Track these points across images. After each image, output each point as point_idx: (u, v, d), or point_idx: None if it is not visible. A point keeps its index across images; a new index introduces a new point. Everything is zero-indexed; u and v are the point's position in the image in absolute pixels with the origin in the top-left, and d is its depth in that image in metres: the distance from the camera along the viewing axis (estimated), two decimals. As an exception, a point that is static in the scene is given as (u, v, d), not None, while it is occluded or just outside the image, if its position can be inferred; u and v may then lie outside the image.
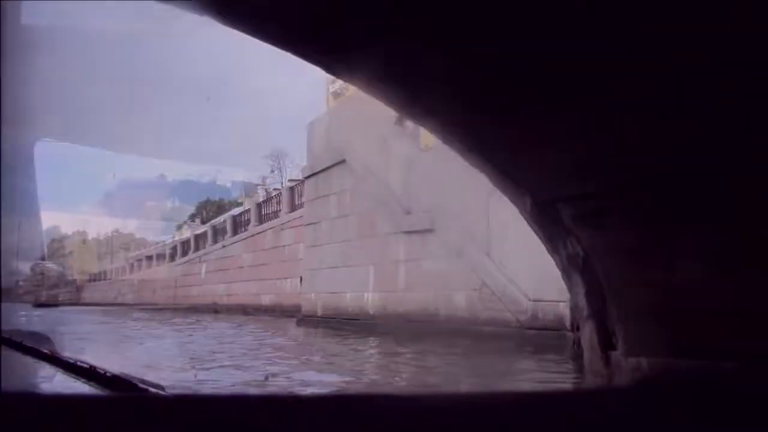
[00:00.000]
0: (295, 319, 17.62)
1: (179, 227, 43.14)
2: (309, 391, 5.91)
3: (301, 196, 21.42)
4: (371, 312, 12.76)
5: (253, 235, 24.14)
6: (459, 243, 10.57)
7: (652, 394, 0.82)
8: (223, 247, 26.89)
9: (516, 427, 0.59)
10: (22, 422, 0.55)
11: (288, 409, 0.59)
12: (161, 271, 36.24)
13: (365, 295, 12.97)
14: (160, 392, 1.29)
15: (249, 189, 37.45)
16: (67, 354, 1.80)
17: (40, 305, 31.17)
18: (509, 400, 0.75)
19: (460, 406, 0.61)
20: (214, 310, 26.33)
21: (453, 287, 10.66)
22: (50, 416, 0.56)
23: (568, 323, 8.67)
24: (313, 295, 15.02)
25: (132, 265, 44.57)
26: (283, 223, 21.80)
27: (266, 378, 7.10)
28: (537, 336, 8.97)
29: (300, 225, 20.28)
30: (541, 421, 0.61)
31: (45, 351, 1.80)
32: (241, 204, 34.02)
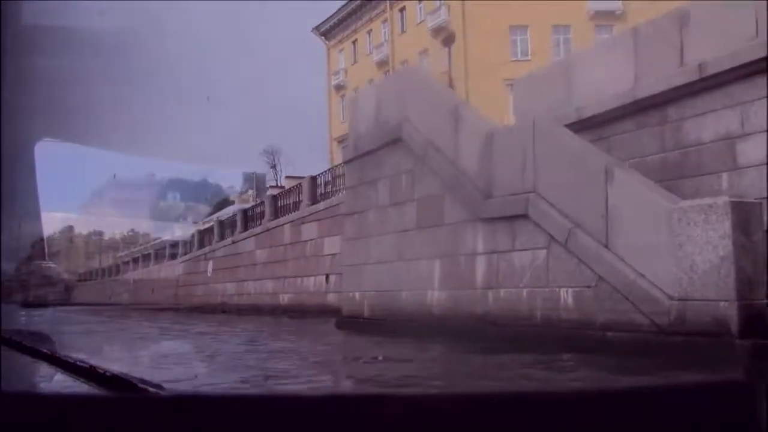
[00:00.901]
0: (326, 320, 15.66)
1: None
2: (309, 390, 5.58)
3: (327, 185, 19.43)
4: (436, 313, 10.79)
5: (268, 230, 22.08)
6: (563, 231, 8.64)
7: None
8: (233, 242, 24.79)
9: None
10: (22, 422, 0.53)
11: (288, 409, 0.56)
12: (161, 270, 34.05)
13: (428, 293, 11.01)
14: (160, 392, 1.29)
15: (258, 182, 35.27)
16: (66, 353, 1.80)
17: (27, 305, 29.46)
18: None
19: (460, 408, 0.57)
20: (222, 310, 24.30)
21: (555, 284, 8.73)
22: (50, 416, 0.54)
23: (735, 328, 6.77)
24: (356, 293, 13.01)
25: (127, 264, 42.28)
26: (303, 216, 19.78)
27: (266, 378, 6.94)
28: (685, 343, 7.07)
29: (325, 218, 18.30)
30: None
31: (44, 351, 1.85)
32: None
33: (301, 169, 54.16)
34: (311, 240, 19.13)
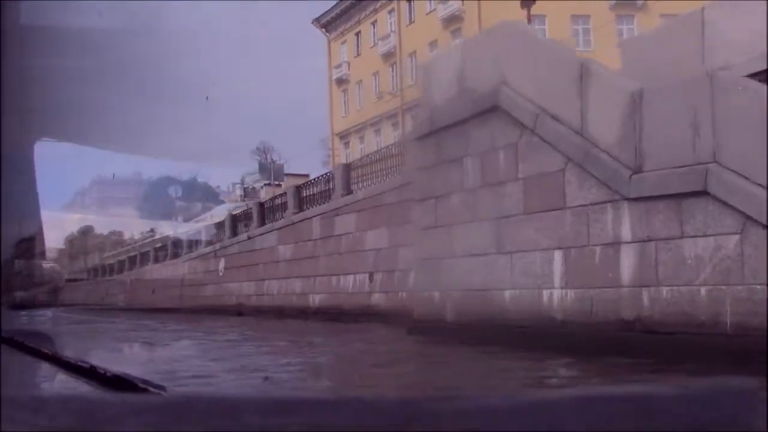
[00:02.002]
0: (380, 325, 13.42)
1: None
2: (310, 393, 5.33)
3: (361, 170, 17.18)
4: (558, 317, 8.61)
5: (293, 224, 19.73)
6: (762, 211, 6.53)
7: None
8: (249, 238, 22.39)
9: None
10: (21, 422, 0.53)
11: (289, 411, 0.55)
12: (162, 269, 31.51)
13: (544, 293, 8.82)
14: (161, 392, 1.28)
15: (276, 173, 32.84)
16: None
17: (15, 307, 27.35)
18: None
19: (460, 411, 0.55)
20: (238, 311, 21.89)
21: (757, 280, 6.61)
22: (50, 416, 0.53)
23: None
24: (435, 293, 10.77)
25: (122, 263, 39.60)
26: (337, 208, 17.47)
27: (266, 378, 6.77)
28: None
29: (365, 208, 16.03)
30: None
31: (45, 351, 1.84)
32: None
33: (297, 167, 51.94)
34: (348, 234, 16.84)
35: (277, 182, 33.88)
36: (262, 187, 58.89)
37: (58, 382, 1.67)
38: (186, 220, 53.55)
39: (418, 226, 11.36)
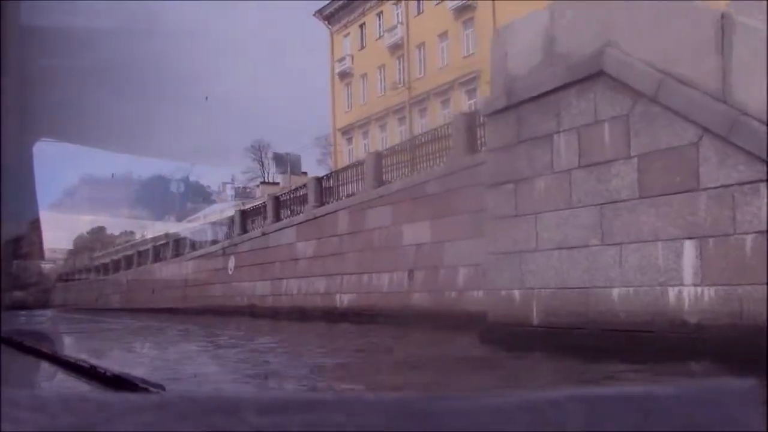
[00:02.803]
0: (425, 327, 11.91)
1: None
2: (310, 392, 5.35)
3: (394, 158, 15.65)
4: (692, 320, 7.12)
5: (315, 218, 18.12)
6: None
7: None
8: (264, 235, 20.73)
9: None
10: (21, 422, 0.53)
11: (288, 410, 0.54)
12: (162, 268, 29.75)
13: (672, 291, 7.32)
14: (161, 392, 1.26)
15: (293, 165, 31.07)
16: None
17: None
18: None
19: (459, 410, 0.55)
20: (251, 313, 20.28)
21: None
22: (50, 416, 0.53)
23: None
24: (515, 292, 9.23)
25: (118, 262, 37.73)
26: (369, 200, 15.90)
27: (265, 378, 6.81)
28: None
29: (403, 200, 14.48)
30: None
31: (45, 351, 1.83)
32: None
33: (306, 162, 50.29)
34: (382, 228, 15.27)
35: (293, 172, 32.04)
36: (257, 186, 57.26)
37: (57, 382, 1.65)
38: (178, 219, 51.80)
39: (492, 216, 9.80)
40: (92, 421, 0.52)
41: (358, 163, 17.65)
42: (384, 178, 16.01)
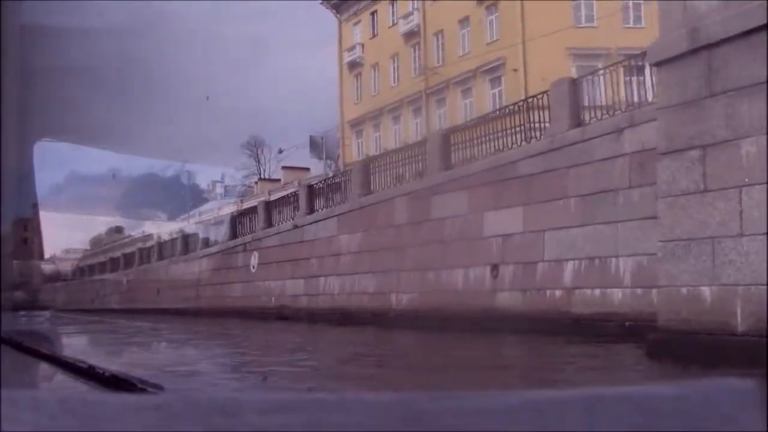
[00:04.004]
0: (520, 336, 9.67)
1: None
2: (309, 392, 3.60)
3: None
4: None
5: (361, 208, 15.74)
6: None
7: None
8: (296, 228, 18.31)
9: None
10: (21, 422, 0.53)
11: (288, 410, 0.54)
12: (169, 267, 27.19)
13: None
14: (159, 392, 1.26)
15: (329, 149, 28.45)
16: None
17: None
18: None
19: (458, 409, 0.55)
20: (280, 315, 17.87)
21: None
22: (50, 416, 0.53)
23: None
24: (704, 289, 7.00)
25: (116, 261, 35.04)
26: (437, 185, 13.57)
27: (264, 378, 6.63)
28: None
29: (485, 183, 12.17)
30: None
31: (45, 351, 1.87)
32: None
33: (299, 161, 47.84)
34: (454, 217, 12.95)
35: (329, 158, 29.43)
36: (256, 182, 54.71)
37: (57, 382, 1.63)
38: (171, 218, 49.24)
39: (664, 192, 7.51)
40: (91, 421, 0.51)
41: (416, 144, 15.28)
42: (453, 162, 13.68)
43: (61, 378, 1.64)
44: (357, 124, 38.57)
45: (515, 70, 29.59)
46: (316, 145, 27.46)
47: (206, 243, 24.22)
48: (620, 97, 10.50)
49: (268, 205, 20.57)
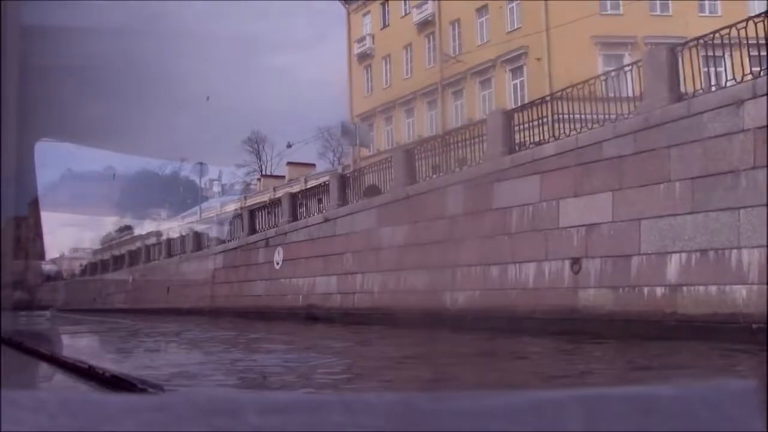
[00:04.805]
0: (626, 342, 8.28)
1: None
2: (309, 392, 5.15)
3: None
4: None
5: (407, 198, 14.26)
6: None
7: None
8: (327, 221, 16.79)
9: None
10: (21, 422, 0.53)
11: (288, 410, 0.54)
12: (180, 264, 25.61)
13: None
14: (159, 392, 1.26)
15: (362, 136, 26.77)
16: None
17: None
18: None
19: (458, 408, 0.54)
20: (310, 316, 16.38)
21: None
22: (49, 416, 0.53)
23: None
24: None
25: (122, 258, 33.39)
26: (499, 170, 12.11)
27: (265, 378, 6.55)
28: None
29: (564, 167, 10.77)
30: None
31: (45, 351, 1.87)
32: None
33: (302, 157, 46.42)
34: (523, 206, 11.50)
35: (362, 146, 27.81)
36: (259, 179, 53.17)
37: (57, 382, 1.63)
38: (170, 216, 47.77)
39: None
40: (91, 421, 0.52)
41: (469, 127, 13.80)
42: (516, 145, 12.22)
43: (61, 378, 1.62)
44: (367, 118, 36.99)
45: (539, 59, 28.20)
46: (348, 132, 25.82)
47: (220, 239, 22.65)
48: (743, 67, 9.07)
49: (294, 197, 19.03)
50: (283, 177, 46.86)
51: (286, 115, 61.13)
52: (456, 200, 12.86)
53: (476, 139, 13.05)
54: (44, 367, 1.81)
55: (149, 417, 0.52)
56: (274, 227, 19.24)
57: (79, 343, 14.01)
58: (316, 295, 16.86)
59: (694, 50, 9.87)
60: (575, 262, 10.52)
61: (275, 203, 19.75)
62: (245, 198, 44.81)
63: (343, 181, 16.79)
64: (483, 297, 12.10)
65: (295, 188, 22.98)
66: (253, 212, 20.74)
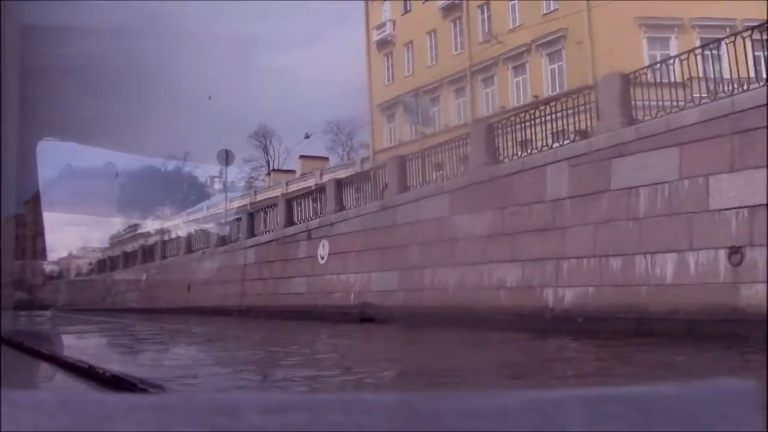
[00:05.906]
0: None
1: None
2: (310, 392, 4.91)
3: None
4: None
5: (490, 180, 12.21)
6: None
7: None
8: (384, 209, 14.74)
9: None
10: (21, 422, 0.52)
11: (288, 410, 0.53)
12: (203, 260, 23.49)
13: None
14: (160, 392, 1.23)
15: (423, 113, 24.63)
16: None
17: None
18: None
19: (458, 408, 0.54)
20: (364, 316, 14.34)
21: None
22: (49, 416, 0.52)
23: None
24: None
25: (134, 255, 31.20)
26: (620, 143, 10.08)
27: (264, 378, 6.62)
28: None
29: (719, 135, 8.76)
30: None
31: (45, 351, 1.87)
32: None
33: (311, 151, 44.52)
34: (654, 185, 9.49)
35: (425, 125, 25.66)
36: (268, 174, 51.05)
37: (57, 382, 1.59)
38: (173, 213, 45.91)
39: None
40: (91, 421, 0.51)
41: (574, 92, 11.73)
42: (638, 115, 10.20)
43: (61, 378, 1.59)
44: (388, 108, 34.91)
45: (579, 43, 26.23)
46: (410, 109, 23.61)
47: (252, 232, 20.55)
48: None
49: (339, 183, 16.93)
50: (293, 171, 44.80)
51: (291, 113, 59.23)
52: (558, 181, 10.84)
53: (579, 108, 11.01)
54: (44, 367, 1.79)
55: (149, 417, 0.51)
56: (316, 217, 17.15)
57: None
58: (372, 292, 14.80)
59: None
60: (734, 252, 8.51)
61: (319, 190, 17.62)
62: (255, 193, 42.75)
63: (404, 163, 14.71)
64: (598, 294, 10.09)
65: (340, 174, 20.84)
66: (290, 201, 18.62)
